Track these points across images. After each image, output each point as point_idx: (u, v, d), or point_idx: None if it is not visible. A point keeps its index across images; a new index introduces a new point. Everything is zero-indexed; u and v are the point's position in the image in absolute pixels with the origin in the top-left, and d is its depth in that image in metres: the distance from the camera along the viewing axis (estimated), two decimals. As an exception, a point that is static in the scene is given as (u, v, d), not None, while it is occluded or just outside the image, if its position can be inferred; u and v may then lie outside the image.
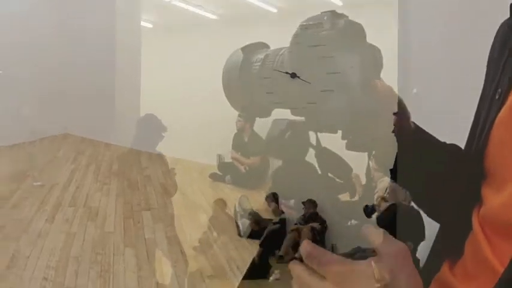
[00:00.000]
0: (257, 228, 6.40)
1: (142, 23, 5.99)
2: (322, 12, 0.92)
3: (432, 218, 1.07)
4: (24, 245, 5.50)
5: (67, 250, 5.65)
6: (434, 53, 3.93)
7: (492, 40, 0.95)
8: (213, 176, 7.54)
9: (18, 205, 6.15)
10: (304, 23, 0.94)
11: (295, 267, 0.71)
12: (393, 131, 0.88)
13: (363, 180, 4.90)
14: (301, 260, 0.71)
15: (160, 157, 7.47)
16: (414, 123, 0.99)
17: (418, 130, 1.00)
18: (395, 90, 0.88)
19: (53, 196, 6.52)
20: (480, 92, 0.95)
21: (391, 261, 0.67)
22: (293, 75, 0.90)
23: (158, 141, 5.59)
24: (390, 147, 0.91)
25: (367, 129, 0.90)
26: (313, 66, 0.87)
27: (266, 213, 7.02)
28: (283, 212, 5.25)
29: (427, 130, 0.99)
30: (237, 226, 6.67)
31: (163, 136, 5.50)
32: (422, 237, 3.43)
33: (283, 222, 5.20)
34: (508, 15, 0.91)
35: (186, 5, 6.01)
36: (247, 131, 7.29)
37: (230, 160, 7.53)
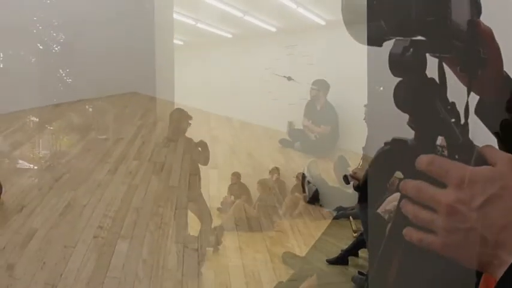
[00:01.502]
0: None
1: (175, 41, 7.33)
2: None
3: None
4: (82, 194, 5.34)
5: (127, 201, 5.46)
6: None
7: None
8: (283, 142, 7.52)
9: (80, 156, 6.02)
10: None
11: (409, 182, 0.76)
12: None
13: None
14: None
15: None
16: None
17: None
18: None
19: (117, 150, 6.36)
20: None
21: (505, 166, 0.71)
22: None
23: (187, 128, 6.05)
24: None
25: None
26: None
27: (332, 181, 6.83)
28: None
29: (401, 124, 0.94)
30: (303, 191, 6.58)
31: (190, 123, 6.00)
32: None
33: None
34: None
35: (207, 27, 7.81)
36: (320, 99, 7.26)
37: (301, 127, 7.51)
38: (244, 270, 4.96)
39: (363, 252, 5.19)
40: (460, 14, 0.85)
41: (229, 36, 8.13)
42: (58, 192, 5.25)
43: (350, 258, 5.22)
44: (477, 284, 0.88)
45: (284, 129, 7.68)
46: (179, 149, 6.61)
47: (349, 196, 6.55)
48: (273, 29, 7.85)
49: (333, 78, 6.90)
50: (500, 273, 0.69)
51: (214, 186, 6.30)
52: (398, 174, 0.83)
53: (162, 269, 4.64)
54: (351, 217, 5.91)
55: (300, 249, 5.49)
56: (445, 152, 0.81)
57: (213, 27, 7.94)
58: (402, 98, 0.83)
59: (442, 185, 0.73)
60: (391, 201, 4.65)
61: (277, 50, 7.31)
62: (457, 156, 0.79)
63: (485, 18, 0.93)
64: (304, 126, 7.46)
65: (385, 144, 0.87)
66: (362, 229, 5.03)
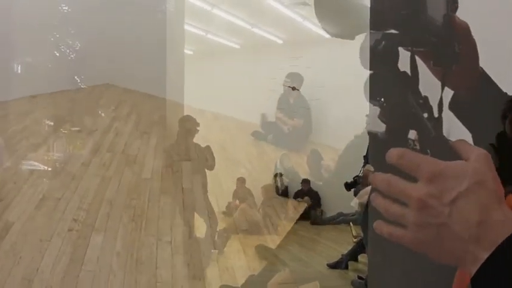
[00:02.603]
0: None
1: (186, 51, 7.51)
2: None
3: None
4: (57, 187, 5.37)
5: (101, 193, 5.50)
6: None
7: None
8: (255, 134, 7.55)
9: (54, 148, 6.02)
10: None
11: (379, 176, 0.74)
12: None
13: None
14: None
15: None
16: None
17: None
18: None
19: (90, 141, 6.37)
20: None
21: (480, 162, 0.71)
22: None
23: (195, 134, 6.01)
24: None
25: None
26: None
27: (305, 174, 6.92)
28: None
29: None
30: (275, 184, 6.73)
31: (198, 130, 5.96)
32: None
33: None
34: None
35: (216, 37, 8.09)
36: (293, 92, 7.31)
37: (274, 120, 7.56)
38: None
39: (362, 257, 5.30)
40: (436, 8, 0.84)
41: (237, 47, 8.37)
42: (32, 185, 5.27)
43: (350, 262, 5.32)
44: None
45: (257, 122, 7.73)
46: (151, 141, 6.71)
47: (320, 187, 6.74)
48: (280, 41, 8.07)
49: (334, 88, 6.93)
50: (474, 269, 0.68)
51: (187, 178, 6.35)
52: (370, 167, 0.85)
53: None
54: (351, 223, 6.01)
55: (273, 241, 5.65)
56: (417, 146, 0.79)
57: (222, 38, 8.20)
58: (373, 91, 0.82)
59: (412, 179, 0.71)
60: (363, 195, 4.76)
61: (283, 61, 7.39)
62: (428, 151, 0.77)
63: (462, 14, 0.92)
64: (277, 119, 7.50)
65: (356, 137, 0.89)
66: (362, 235, 5.11)
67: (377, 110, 0.83)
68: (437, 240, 0.70)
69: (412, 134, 0.81)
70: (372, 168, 0.80)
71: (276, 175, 6.76)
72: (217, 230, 5.63)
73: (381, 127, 0.82)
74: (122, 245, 4.88)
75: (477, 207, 0.68)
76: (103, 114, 6.96)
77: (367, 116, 6.41)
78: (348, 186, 4.46)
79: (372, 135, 0.82)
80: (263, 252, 5.44)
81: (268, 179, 6.82)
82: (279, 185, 6.73)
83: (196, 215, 5.61)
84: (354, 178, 4.46)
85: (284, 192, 6.68)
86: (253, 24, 7.87)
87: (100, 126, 6.70)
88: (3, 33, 5.97)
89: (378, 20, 0.83)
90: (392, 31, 0.82)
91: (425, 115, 0.82)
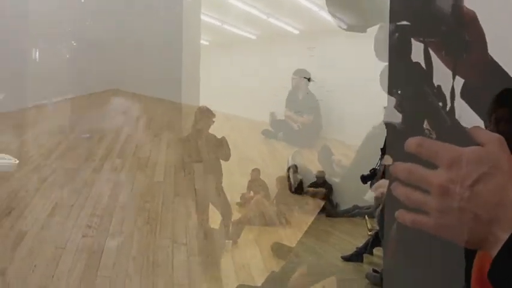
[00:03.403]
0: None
1: (202, 41, 7.54)
2: None
3: None
4: (69, 194, 5.35)
5: (114, 198, 5.48)
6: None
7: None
8: (266, 133, 7.51)
9: (64, 156, 6.00)
10: None
11: (399, 165, 0.76)
12: None
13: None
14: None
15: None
16: None
17: None
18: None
19: (101, 147, 6.35)
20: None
21: (495, 146, 0.73)
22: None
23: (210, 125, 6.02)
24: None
25: None
26: None
27: (316, 171, 6.89)
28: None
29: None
30: (288, 180, 6.66)
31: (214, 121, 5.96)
32: None
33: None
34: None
35: (232, 28, 8.01)
36: (302, 89, 7.26)
37: (283, 118, 7.52)
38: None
39: (377, 251, 5.29)
40: None
41: (253, 37, 8.33)
42: (45, 193, 5.25)
43: (365, 255, 5.32)
44: (471, 261, 0.90)
45: (266, 120, 7.65)
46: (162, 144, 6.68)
47: (336, 185, 6.69)
48: (296, 31, 8.02)
49: (351, 80, 6.85)
50: (496, 249, 0.70)
51: (200, 180, 6.32)
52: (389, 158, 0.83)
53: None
54: (366, 216, 5.99)
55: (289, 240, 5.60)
56: (433, 135, 0.81)
57: (238, 29, 8.13)
58: (390, 82, 0.84)
59: (432, 166, 0.73)
60: (377, 188, 4.72)
61: (299, 52, 7.37)
62: (445, 138, 0.78)
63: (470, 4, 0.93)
64: (286, 117, 7.46)
65: (374, 128, 0.89)
66: (377, 228, 5.16)
67: (394, 101, 0.85)
68: (459, 224, 0.72)
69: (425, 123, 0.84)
70: (390, 160, 0.82)
71: (289, 169, 6.70)
72: (232, 220, 5.64)
73: (397, 118, 0.85)
74: (137, 249, 4.86)
75: (495, 190, 0.71)
76: (112, 119, 6.94)
77: (384, 108, 6.35)
78: (365, 178, 4.44)
79: (390, 126, 0.84)
80: (279, 249, 5.39)
81: (282, 174, 6.75)
82: (292, 181, 6.65)
83: (211, 206, 5.63)
84: (370, 171, 4.46)
85: (298, 189, 6.60)
86: (269, 14, 7.80)
87: (110, 131, 6.68)
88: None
89: (391, 12, 0.84)
90: (405, 22, 0.84)
91: (440, 104, 0.84)
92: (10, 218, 4.76)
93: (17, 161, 4.82)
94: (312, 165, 7.05)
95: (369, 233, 5.68)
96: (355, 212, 6.38)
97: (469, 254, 0.88)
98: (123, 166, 6.02)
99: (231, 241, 5.52)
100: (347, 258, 5.34)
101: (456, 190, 0.71)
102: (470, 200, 0.71)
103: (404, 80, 0.84)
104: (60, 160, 5.87)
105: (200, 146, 6.17)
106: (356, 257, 5.31)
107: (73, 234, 4.78)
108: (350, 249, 5.45)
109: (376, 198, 4.79)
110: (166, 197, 5.74)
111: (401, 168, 0.76)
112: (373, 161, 4.56)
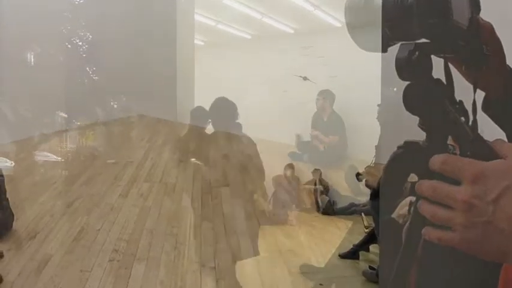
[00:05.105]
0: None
1: (196, 41, 7.64)
2: None
3: None
4: (95, 219, 5.27)
5: (141, 223, 5.39)
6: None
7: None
8: (292, 155, 7.48)
9: (90, 181, 5.95)
10: None
11: (424, 183, 0.77)
12: None
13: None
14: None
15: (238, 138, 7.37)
16: None
17: None
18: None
19: (127, 173, 6.29)
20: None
21: None
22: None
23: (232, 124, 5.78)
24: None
25: None
26: None
27: (345, 191, 6.83)
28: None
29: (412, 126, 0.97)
30: (316, 202, 6.63)
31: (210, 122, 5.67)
32: None
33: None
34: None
35: (227, 28, 8.09)
36: (326, 110, 7.29)
37: (309, 139, 7.52)
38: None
39: (373, 248, 5.29)
40: (460, 12, 0.85)
41: (248, 37, 8.36)
42: (71, 218, 5.18)
43: (361, 253, 5.35)
44: (498, 275, 0.88)
45: (292, 143, 7.63)
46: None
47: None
48: (291, 31, 8.05)
49: (346, 79, 6.89)
50: None
51: (227, 204, 6.20)
52: (411, 178, 0.83)
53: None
54: (362, 213, 6.07)
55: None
56: (457, 150, 0.81)
57: (233, 28, 8.21)
58: (412, 101, 0.83)
59: (456, 182, 0.74)
60: (403, 206, 4.60)
61: (294, 51, 7.38)
62: (468, 153, 0.79)
63: (484, 14, 0.92)
64: (312, 138, 7.44)
65: (398, 147, 0.86)
66: (373, 225, 5.23)
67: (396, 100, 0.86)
68: (484, 238, 0.73)
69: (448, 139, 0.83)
70: (415, 177, 0.82)
71: (315, 187, 6.60)
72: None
73: (389, 114, 0.92)
74: (165, 273, 4.72)
75: None
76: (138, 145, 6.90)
77: (378, 105, 6.28)
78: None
79: (414, 144, 0.84)
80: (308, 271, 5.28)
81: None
82: (319, 200, 6.59)
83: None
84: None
85: (327, 210, 6.45)
86: (263, 14, 7.87)
87: (136, 157, 6.63)
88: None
89: (407, 30, 0.83)
90: (424, 40, 0.84)
91: (463, 119, 0.85)
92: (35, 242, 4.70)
93: (13, 164, 4.82)
94: (339, 187, 6.94)
95: (366, 231, 5.72)
96: (351, 210, 6.41)
97: (495, 268, 0.86)
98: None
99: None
100: (344, 256, 5.36)
101: (480, 205, 0.72)
102: (494, 214, 0.71)
103: (427, 98, 0.84)
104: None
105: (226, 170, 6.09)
106: (353, 254, 5.34)
107: (99, 258, 4.67)
108: (347, 247, 5.46)
109: (403, 217, 4.68)
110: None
111: (426, 186, 0.77)
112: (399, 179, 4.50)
